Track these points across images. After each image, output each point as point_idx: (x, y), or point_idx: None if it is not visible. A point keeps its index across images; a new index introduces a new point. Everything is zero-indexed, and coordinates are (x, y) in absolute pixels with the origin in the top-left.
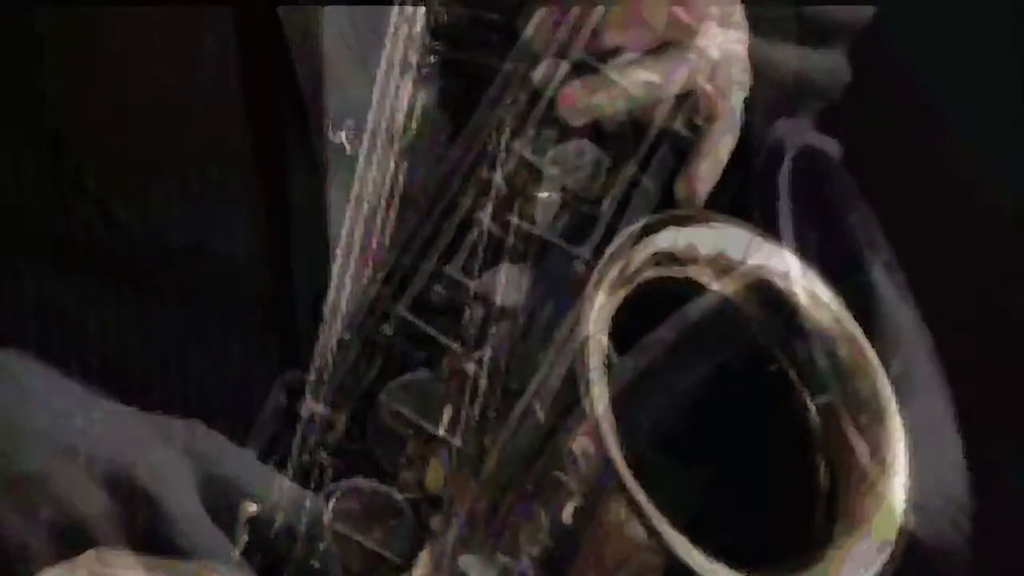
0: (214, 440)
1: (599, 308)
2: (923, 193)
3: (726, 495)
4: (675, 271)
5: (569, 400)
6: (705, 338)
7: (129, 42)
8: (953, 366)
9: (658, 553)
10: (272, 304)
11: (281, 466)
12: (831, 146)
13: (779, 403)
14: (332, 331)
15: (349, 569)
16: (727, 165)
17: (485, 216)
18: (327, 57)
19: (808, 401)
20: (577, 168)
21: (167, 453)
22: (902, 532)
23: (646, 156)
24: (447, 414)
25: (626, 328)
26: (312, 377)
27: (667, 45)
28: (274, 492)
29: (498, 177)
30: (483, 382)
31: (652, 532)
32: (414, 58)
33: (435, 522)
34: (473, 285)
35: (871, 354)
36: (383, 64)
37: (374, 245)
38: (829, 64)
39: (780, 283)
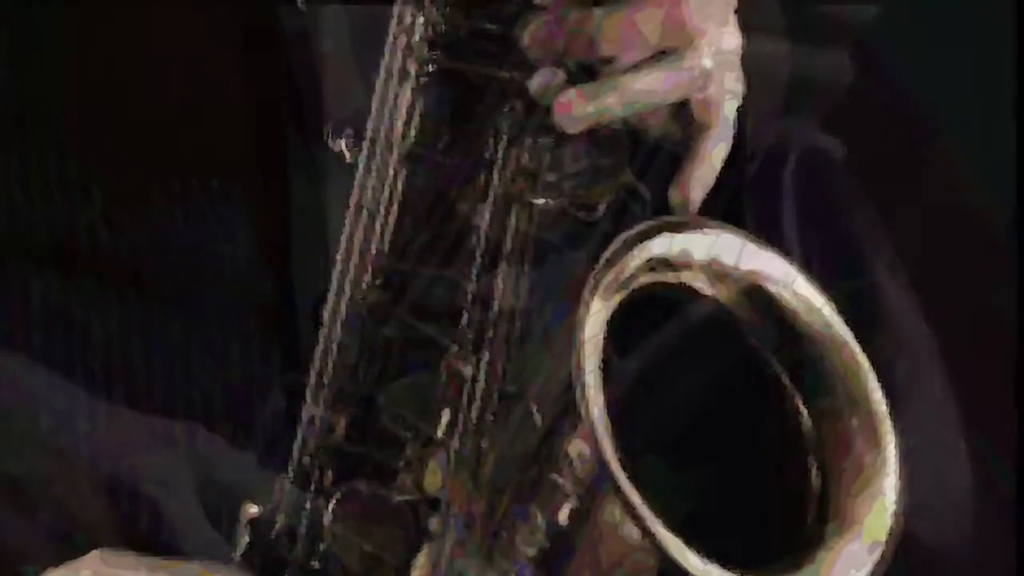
0: (214, 443)
1: (595, 313)
2: (923, 193)
3: (720, 497)
4: (669, 276)
5: (565, 403)
6: (698, 342)
7: (131, 49)
8: (953, 366)
9: (652, 554)
10: (272, 308)
11: (281, 468)
12: (835, 147)
13: (772, 406)
14: (332, 335)
15: (349, 570)
16: (720, 172)
17: (483, 222)
18: (327, 65)
19: (800, 404)
20: (573, 175)
21: (168, 456)
22: (893, 533)
23: (641, 163)
24: (445, 417)
25: (621, 332)
26: (312, 380)
27: (662, 54)
28: (274, 494)
29: (495, 183)
30: (481, 385)
31: (646, 533)
32: (412, 67)
33: (433, 524)
34: (471, 289)
35: (862, 358)
36: (382, 73)
37: (373, 250)
38: (831, 64)
39: (773, 288)
